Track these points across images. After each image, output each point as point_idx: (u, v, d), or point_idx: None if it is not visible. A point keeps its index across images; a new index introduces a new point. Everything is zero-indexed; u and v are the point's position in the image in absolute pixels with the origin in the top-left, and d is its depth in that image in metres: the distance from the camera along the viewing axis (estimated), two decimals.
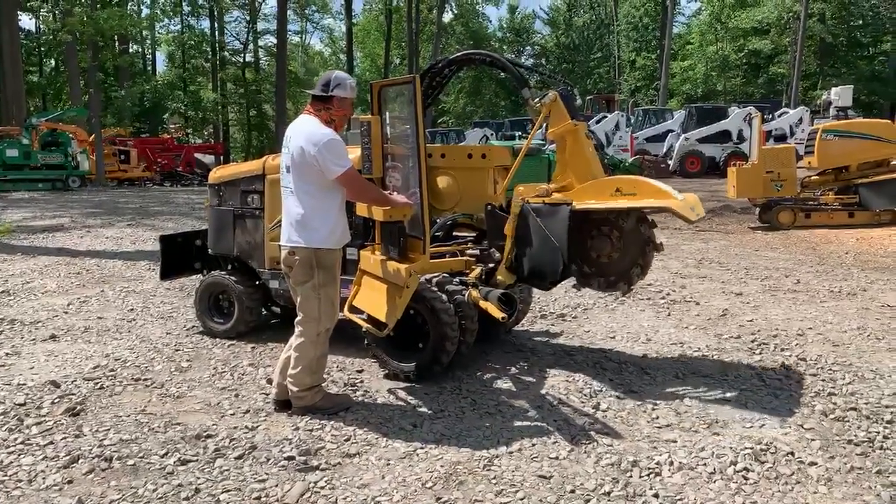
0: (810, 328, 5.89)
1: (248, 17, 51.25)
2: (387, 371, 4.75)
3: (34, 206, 19.46)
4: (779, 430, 3.81)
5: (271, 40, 49.90)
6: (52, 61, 46.08)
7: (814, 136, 13.18)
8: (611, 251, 4.57)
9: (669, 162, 26.67)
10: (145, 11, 44.15)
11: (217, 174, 5.93)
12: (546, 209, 4.45)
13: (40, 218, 15.94)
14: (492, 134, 32.20)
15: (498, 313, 4.21)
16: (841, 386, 4.49)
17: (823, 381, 4.60)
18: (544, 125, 4.95)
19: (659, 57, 47.16)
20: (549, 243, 4.38)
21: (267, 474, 3.35)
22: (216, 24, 49.99)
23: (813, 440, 3.67)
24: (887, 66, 43.02)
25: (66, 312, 6.71)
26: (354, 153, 4.63)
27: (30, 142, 27.16)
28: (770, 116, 28.48)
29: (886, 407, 4.10)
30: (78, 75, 31.67)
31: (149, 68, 53.69)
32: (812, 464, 3.41)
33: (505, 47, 63.90)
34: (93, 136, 29.00)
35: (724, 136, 26.87)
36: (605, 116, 28.65)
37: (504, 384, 4.64)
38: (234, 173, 5.76)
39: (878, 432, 3.76)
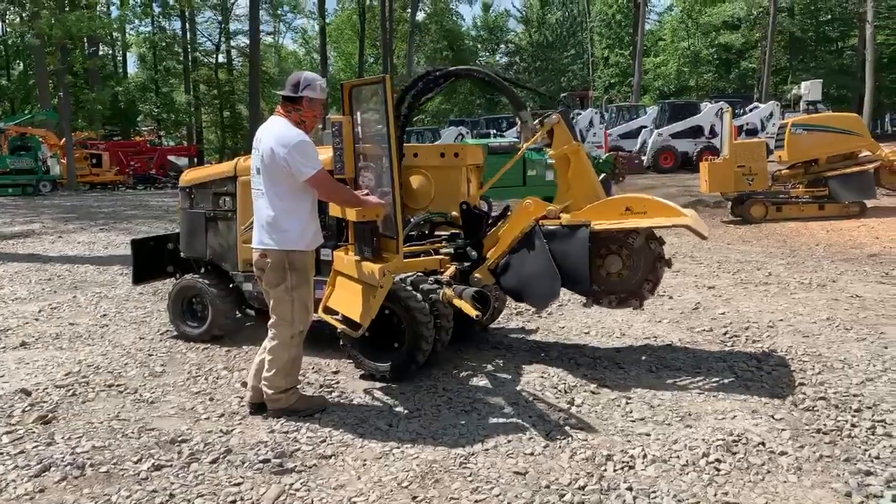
0: (781, 320, 5.97)
1: (220, 18, 50.80)
2: (363, 371, 4.75)
3: (4, 211, 19.17)
4: (750, 421, 3.86)
5: (244, 41, 49.52)
6: (20, 64, 45.32)
7: (783, 131, 13.36)
8: (621, 269, 4.66)
9: (643, 158, 26.90)
10: (115, 13, 43.59)
11: (188, 177, 5.89)
12: (563, 231, 4.53)
13: (10, 224, 15.72)
14: (467, 132, 32.21)
15: (472, 311, 4.23)
16: (810, 376, 4.56)
17: (793, 371, 4.67)
18: (522, 132, 5.00)
19: (632, 53, 47.52)
20: (549, 271, 4.46)
21: (242, 478, 3.34)
22: (187, 25, 49.43)
23: (783, 430, 3.73)
24: (855, 60, 43.69)
25: (36, 319, 6.62)
26: (327, 154, 4.62)
27: None
28: (741, 111, 28.84)
29: (854, 396, 4.18)
30: (47, 78, 31.22)
31: (120, 70, 52.97)
32: (782, 453, 3.47)
33: (479, 45, 63.97)
34: (63, 139, 28.60)
35: (696, 132, 27.17)
36: (580, 113, 28.85)
37: (480, 381, 4.66)
38: (206, 175, 5.72)
39: (847, 421, 3.82)
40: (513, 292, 4.84)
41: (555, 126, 4.79)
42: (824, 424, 3.79)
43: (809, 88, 30.25)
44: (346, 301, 4.44)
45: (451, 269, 4.84)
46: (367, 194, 4.20)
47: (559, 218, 4.63)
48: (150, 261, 6.18)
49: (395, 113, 4.93)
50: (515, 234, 4.69)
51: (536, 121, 4.91)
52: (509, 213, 5.19)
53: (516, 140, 16.32)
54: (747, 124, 28.11)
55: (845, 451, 3.49)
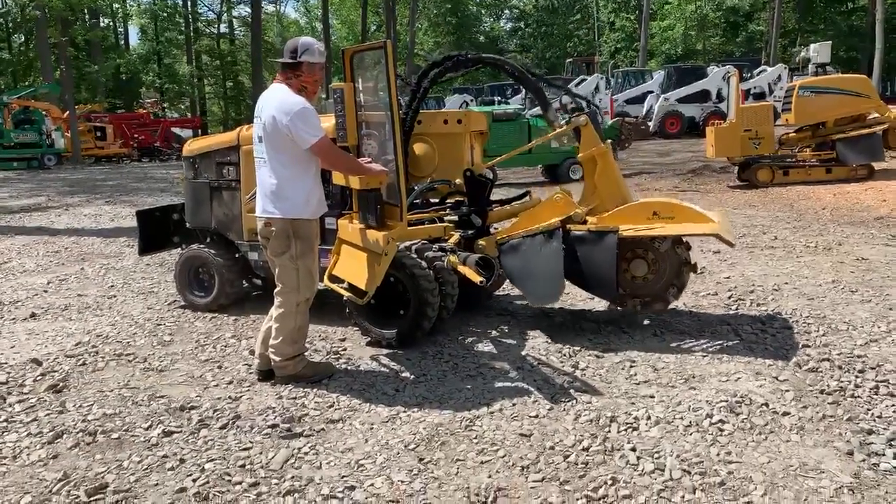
0: (786, 283, 5.97)
1: None
2: (369, 339, 4.79)
3: (9, 185, 19.23)
4: (754, 383, 3.88)
5: (245, 10, 49.07)
6: (21, 37, 45.05)
7: (791, 93, 13.22)
8: (647, 273, 4.70)
9: (649, 123, 26.68)
10: None
11: (191, 147, 5.88)
12: (590, 236, 4.56)
13: (16, 198, 15.78)
14: (471, 100, 32.04)
15: (476, 277, 4.25)
16: (815, 338, 4.58)
17: (798, 333, 4.69)
18: (526, 103, 5.01)
19: (638, 17, 46.91)
20: (556, 275, 4.49)
21: (251, 442, 3.39)
22: None
23: (787, 391, 3.75)
24: (864, 21, 43.03)
25: (45, 291, 6.68)
26: (330, 122, 4.61)
27: (2, 120, 26.70)
28: (748, 75, 28.51)
29: (858, 357, 4.19)
30: (48, 51, 30.99)
31: (121, 42, 52.62)
32: (785, 414, 3.50)
33: (483, 11, 63.16)
34: (67, 112, 28.53)
35: (703, 96, 26.93)
36: (585, 79, 28.56)
37: (485, 347, 4.69)
38: (209, 145, 5.72)
39: (850, 381, 3.84)
40: (512, 276, 4.85)
41: (583, 128, 4.80)
42: (828, 385, 3.81)
43: (818, 51, 29.85)
44: (352, 269, 4.46)
45: (456, 236, 4.85)
46: (369, 162, 4.20)
47: (585, 222, 4.65)
48: (155, 231, 6.21)
49: (416, 86, 4.93)
50: (537, 225, 4.69)
51: (563, 120, 4.93)
52: (528, 198, 5.21)
53: (521, 107, 16.27)
54: (755, 88, 27.84)
55: (848, 410, 3.51)
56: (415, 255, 4.61)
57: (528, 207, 5.09)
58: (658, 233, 4.53)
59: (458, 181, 5.09)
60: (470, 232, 4.93)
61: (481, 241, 4.86)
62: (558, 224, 4.59)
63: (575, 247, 4.60)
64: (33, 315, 5.81)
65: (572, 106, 5.34)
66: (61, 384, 4.19)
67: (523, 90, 28.23)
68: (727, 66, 26.49)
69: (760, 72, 29.56)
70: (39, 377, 4.32)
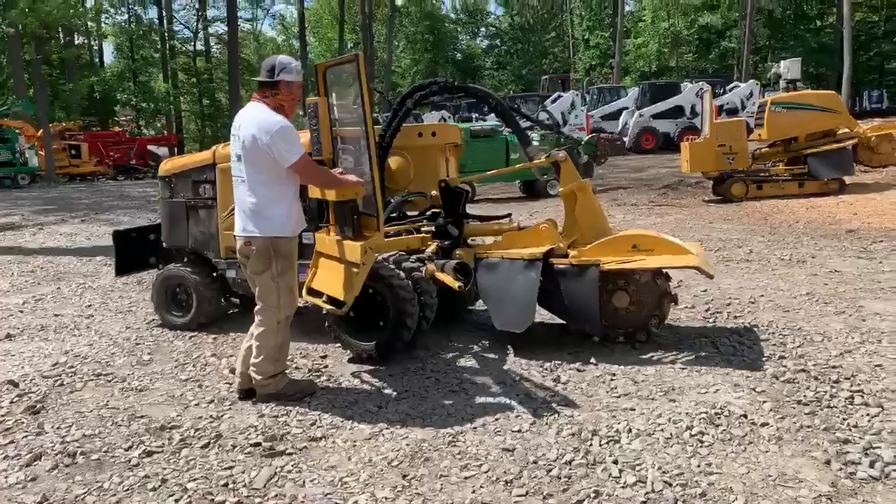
0: (762, 295, 6.06)
1: (197, 4, 50.20)
2: (351, 355, 4.78)
3: None
4: (732, 395, 3.93)
5: (222, 28, 49.01)
6: None
7: (763, 109, 13.45)
8: (628, 304, 4.77)
9: (625, 139, 26.98)
10: (90, 1, 42.98)
11: (167, 166, 5.86)
12: (572, 270, 4.63)
13: None
14: (450, 116, 32.16)
15: (454, 283, 4.28)
16: (791, 349, 4.65)
17: (774, 345, 4.75)
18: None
19: (612, 35, 47.50)
20: (528, 307, 4.56)
21: (233, 461, 3.37)
22: (164, 13, 48.77)
23: (764, 402, 3.80)
24: (833, 38, 43.93)
25: (21, 311, 6.59)
26: (307, 137, 4.62)
27: None
28: (721, 91, 28.96)
29: (833, 367, 4.26)
30: (22, 69, 30.72)
31: (96, 60, 52.21)
32: (763, 424, 3.54)
33: (459, 29, 63.68)
34: (41, 131, 28.23)
35: (677, 112, 27.31)
36: (561, 96, 28.87)
37: (467, 362, 4.70)
38: (185, 164, 5.70)
39: (826, 391, 3.90)
40: (484, 295, 4.89)
41: (562, 163, 4.89)
42: (804, 396, 3.87)
43: (789, 67, 30.35)
44: (330, 281, 4.45)
45: (433, 245, 4.87)
46: (342, 173, 4.19)
47: (567, 255, 4.72)
48: (132, 252, 6.16)
49: (399, 105, 5.00)
50: (520, 250, 4.74)
51: (543, 156, 5.02)
52: (509, 220, 5.29)
53: (498, 124, 16.39)
54: (727, 104, 28.16)
55: (825, 420, 3.56)
56: (392, 266, 4.62)
57: (508, 228, 5.14)
58: (639, 266, 4.61)
59: (433, 193, 5.14)
60: (447, 242, 4.97)
61: (459, 251, 4.90)
62: (541, 255, 4.63)
63: (558, 280, 4.66)
64: (9, 336, 5.73)
65: (548, 122, 5.45)
66: (39, 405, 4.13)
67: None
68: (700, 83, 26.92)
69: (733, 88, 30.05)
70: (16, 399, 4.26)
